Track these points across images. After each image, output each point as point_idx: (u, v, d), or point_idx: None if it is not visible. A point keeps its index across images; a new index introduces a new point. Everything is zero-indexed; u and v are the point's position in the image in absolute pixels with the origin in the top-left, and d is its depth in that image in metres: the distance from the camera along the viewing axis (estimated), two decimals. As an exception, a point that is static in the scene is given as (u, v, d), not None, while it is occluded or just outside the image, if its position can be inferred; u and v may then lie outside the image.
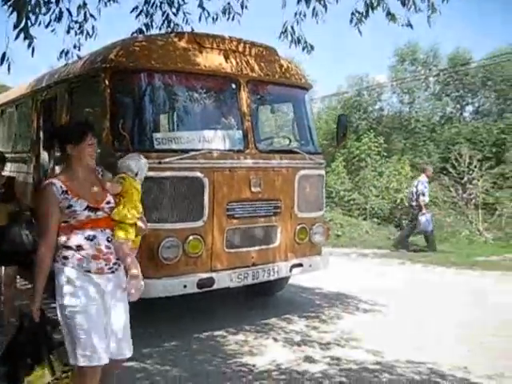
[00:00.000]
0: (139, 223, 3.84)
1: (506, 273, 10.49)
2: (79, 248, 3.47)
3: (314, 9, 6.31)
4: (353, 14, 6.47)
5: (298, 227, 6.69)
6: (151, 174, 5.46)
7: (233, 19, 6.52)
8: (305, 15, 6.43)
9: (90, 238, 3.50)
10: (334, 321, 6.99)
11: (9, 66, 4.50)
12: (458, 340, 6.18)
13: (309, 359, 5.56)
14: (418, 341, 6.11)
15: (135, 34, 6.69)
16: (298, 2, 6.33)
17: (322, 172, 7.10)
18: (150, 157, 5.50)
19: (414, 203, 13.47)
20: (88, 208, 3.50)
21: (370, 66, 53.29)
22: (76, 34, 5.94)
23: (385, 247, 13.88)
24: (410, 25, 6.44)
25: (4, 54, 4.38)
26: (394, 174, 18.20)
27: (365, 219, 16.96)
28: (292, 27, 6.39)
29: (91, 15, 5.82)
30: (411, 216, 13.95)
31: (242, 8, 6.46)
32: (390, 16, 6.40)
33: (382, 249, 13.69)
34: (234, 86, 6.29)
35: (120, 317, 3.65)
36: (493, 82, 27.32)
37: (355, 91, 28.92)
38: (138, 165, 4.02)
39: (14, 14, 4.00)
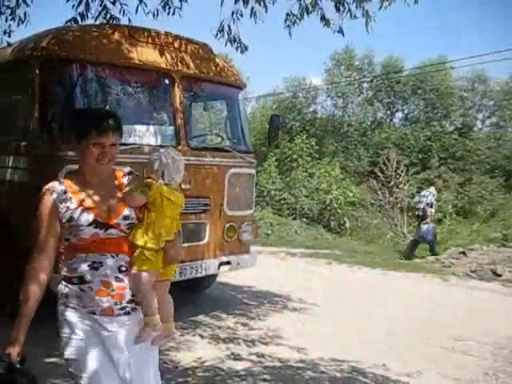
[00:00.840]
0: (170, 249, 2.76)
1: (426, 275, 10.90)
2: (81, 280, 2.60)
3: (252, 9, 6.37)
4: (287, 15, 6.56)
5: (227, 225, 6.72)
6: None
7: (173, 14, 6.47)
8: (242, 15, 6.47)
9: (94, 266, 2.58)
10: (262, 318, 7.08)
11: None
12: (380, 339, 6.38)
13: (234, 356, 5.61)
14: (343, 339, 6.28)
15: (70, 23, 6.53)
16: (236, 2, 6.36)
17: (253, 171, 7.16)
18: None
19: (420, 213, 13.46)
20: (95, 223, 2.58)
21: (307, 67, 53.90)
22: (7, 20, 5.75)
23: (312, 247, 14.13)
24: (341, 31, 6.59)
25: None
26: (325, 176, 18.55)
27: (294, 219, 17.22)
28: (229, 26, 6.41)
29: (24, 1, 5.65)
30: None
31: (181, 2, 6.40)
32: (325, 21, 6.53)
33: (309, 248, 13.93)
34: (167, 81, 6.26)
35: (143, 376, 2.67)
36: (422, 90, 28.20)
37: (291, 92, 29.24)
38: (163, 163, 2.72)
39: None
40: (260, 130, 24.53)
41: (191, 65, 6.46)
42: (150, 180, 2.68)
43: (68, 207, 2.62)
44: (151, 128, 6.05)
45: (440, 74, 26.71)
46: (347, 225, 16.76)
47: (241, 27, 6.46)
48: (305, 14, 6.42)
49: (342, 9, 6.31)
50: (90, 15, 6.57)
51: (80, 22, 6.53)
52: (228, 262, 6.77)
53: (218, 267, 6.68)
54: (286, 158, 20.81)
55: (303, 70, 51.97)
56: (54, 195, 2.64)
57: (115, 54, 5.90)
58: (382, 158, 19.46)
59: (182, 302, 7.38)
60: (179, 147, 6.11)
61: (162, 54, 6.21)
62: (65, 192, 2.65)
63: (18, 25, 5.82)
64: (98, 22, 6.64)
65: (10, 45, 6.16)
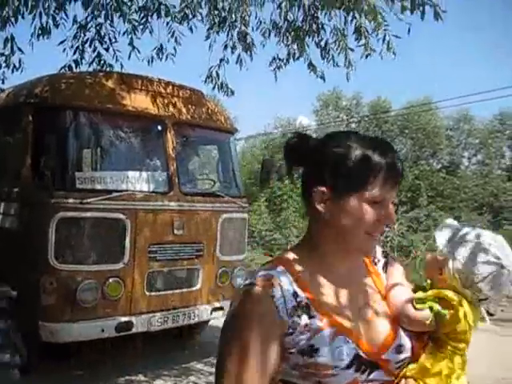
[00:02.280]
0: None
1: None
2: None
3: (238, 56, 6.51)
4: (273, 59, 6.70)
5: (220, 270, 6.68)
6: (72, 214, 5.41)
7: (166, 59, 6.58)
8: (228, 62, 6.62)
9: None
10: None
11: None
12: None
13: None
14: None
15: (64, 70, 6.59)
16: (224, 49, 6.50)
17: (245, 215, 7.15)
18: (71, 196, 5.44)
19: None
20: (356, 361, 1.41)
21: (297, 106, 54.48)
22: (1, 67, 5.80)
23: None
24: (322, 77, 6.74)
25: None
26: (315, 216, 18.51)
27: (285, 259, 17.11)
28: (217, 72, 6.55)
29: (19, 49, 5.71)
30: None
31: (175, 48, 6.54)
32: (311, 67, 6.67)
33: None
34: (160, 127, 6.29)
35: None
36: (409, 130, 28.53)
37: (281, 132, 29.47)
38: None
39: None
40: (250, 170, 24.66)
41: (183, 111, 6.51)
42: (449, 292, 1.54)
43: (305, 325, 1.39)
44: (144, 174, 6.05)
45: (426, 114, 27.08)
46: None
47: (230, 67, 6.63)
48: (291, 59, 6.58)
49: (326, 56, 6.47)
50: (84, 62, 6.70)
51: (74, 69, 6.62)
52: (221, 308, 6.69)
53: (211, 313, 6.61)
54: (276, 197, 20.83)
55: (293, 109, 52.42)
56: (276, 299, 1.38)
57: (108, 101, 5.93)
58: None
59: (174, 348, 7.28)
60: (171, 193, 6.12)
61: (154, 100, 6.25)
62: (295, 295, 1.41)
63: (13, 71, 5.87)
64: (91, 69, 6.73)
65: (3, 91, 6.19)
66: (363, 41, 5.93)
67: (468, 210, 23.04)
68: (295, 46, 6.47)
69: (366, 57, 5.94)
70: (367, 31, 5.87)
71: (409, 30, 5.21)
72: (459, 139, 29.66)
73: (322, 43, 6.51)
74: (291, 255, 1.52)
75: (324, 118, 30.98)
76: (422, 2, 4.43)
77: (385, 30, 5.65)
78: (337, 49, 6.21)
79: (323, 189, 1.45)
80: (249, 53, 6.24)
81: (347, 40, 6.11)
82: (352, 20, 5.94)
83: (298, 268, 1.47)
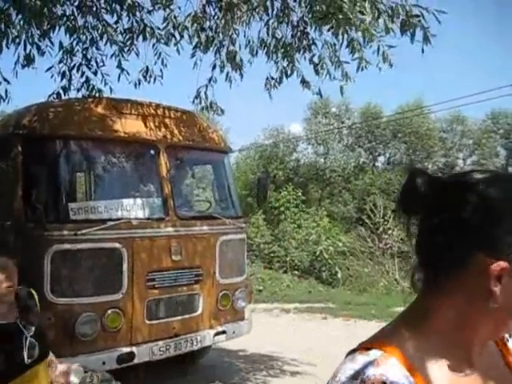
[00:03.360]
0: None
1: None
2: None
3: (227, 74, 6.44)
4: (267, 79, 6.61)
5: (221, 294, 6.55)
6: (67, 246, 5.28)
7: (154, 81, 6.49)
8: (216, 81, 6.55)
9: None
10: (261, 388, 6.85)
11: None
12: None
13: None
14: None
15: (52, 97, 6.48)
16: (213, 69, 6.42)
17: (243, 236, 7.02)
18: (65, 228, 5.31)
19: None
20: None
21: (286, 113, 54.30)
22: (-13, 99, 5.68)
23: (306, 301, 13.90)
24: (319, 94, 6.65)
25: None
26: (313, 227, 18.43)
27: (285, 271, 17.02)
28: (205, 93, 6.47)
29: (4, 79, 5.60)
30: None
31: (162, 71, 6.44)
32: (305, 84, 6.58)
33: (303, 303, 13.69)
34: (152, 152, 6.18)
35: None
36: (402, 134, 28.48)
37: (271, 142, 29.40)
38: None
39: None
40: (245, 181, 24.56)
41: (176, 132, 6.39)
42: None
43: None
44: (138, 201, 5.93)
45: (419, 117, 27.04)
46: (339, 275, 16.56)
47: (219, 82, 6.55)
48: (284, 77, 6.50)
49: (321, 71, 6.38)
50: (72, 87, 6.61)
51: (63, 95, 6.52)
52: (223, 332, 6.57)
53: (214, 337, 6.48)
54: (273, 208, 20.73)
55: (283, 117, 52.18)
56: None
57: (98, 128, 5.81)
58: (368, 204, 19.43)
59: (177, 374, 7.12)
60: (167, 218, 6.00)
61: (145, 124, 6.14)
62: None
63: (-1, 103, 5.74)
64: (80, 94, 6.63)
65: (-10, 123, 6.06)
66: (357, 54, 5.85)
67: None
68: (285, 64, 6.38)
69: (362, 69, 5.85)
70: (360, 44, 5.79)
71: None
72: (453, 141, 29.60)
73: (315, 59, 6.42)
74: (402, 338, 1.11)
75: (315, 126, 30.94)
76: (413, 24, 4.33)
77: (379, 41, 5.57)
78: (332, 64, 6.11)
79: (504, 264, 1.00)
80: (238, 71, 6.14)
81: (340, 54, 6.02)
82: (343, 34, 5.87)
83: (417, 362, 1.06)
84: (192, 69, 6.24)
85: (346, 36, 5.54)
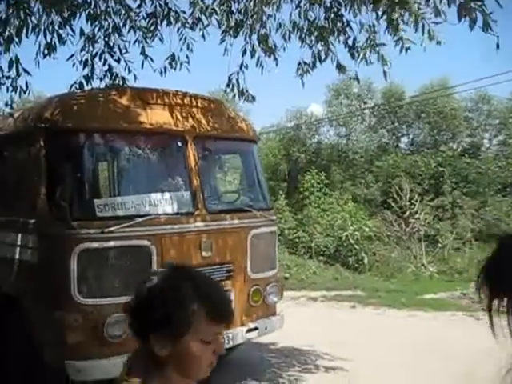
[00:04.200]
0: None
1: (455, 313, 10.45)
2: None
3: (258, 59, 6.15)
4: (299, 64, 6.31)
5: (252, 289, 6.29)
6: (93, 244, 5.05)
7: (180, 68, 6.22)
8: (247, 67, 6.26)
9: None
10: (294, 384, 6.62)
11: None
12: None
13: None
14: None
15: (74, 87, 6.23)
16: (244, 54, 6.12)
17: (274, 229, 6.75)
18: (92, 226, 5.08)
19: None
20: None
21: (304, 95, 53.62)
22: (8, 91, 5.43)
23: (333, 288, 13.64)
24: (357, 79, 6.34)
25: None
26: (338, 211, 18.11)
27: (310, 257, 16.75)
28: (237, 80, 6.18)
29: (25, 70, 5.34)
30: None
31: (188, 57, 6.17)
32: (340, 68, 6.26)
33: (330, 290, 13.43)
34: (180, 143, 5.89)
35: None
36: (426, 114, 27.89)
37: (294, 125, 28.99)
38: None
39: None
40: (266, 165, 24.23)
41: (203, 123, 6.10)
42: None
43: None
44: (166, 195, 5.66)
45: (443, 97, 26.42)
46: (365, 260, 16.24)
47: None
48: (317, 62, 6.19)
49: (356, 55, 6.08)
50: (95, 76, 6.38)
51: (85, 85, 6.28)
52: (255, 328, 6.33)
53: (246, 335, 6.23)
54: (298, 193, 20.43)
55: (302, 97, 51.37)
56: None
57: (123, 119, 5.54)
58: (394, 188, 19.04)
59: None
60: (197, 212, 5.74)
61: (172, 114, 5.86)
62: None
63: (20, 95, 5.49)
64: (103, 83, 6.39)
65: (11, 115, 5.81)
66: (398, 34, 5.51)
67: (492, 192, 22.39)
68: (319, 47, 6.06)
69: (406, 50, 5.51)
70: (404, 22, 5.44)
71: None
72: (478, 120, 28.91)
73: (350, 41, 6.09)
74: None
75: (336, 107, 30.44)
76: (473, 9, 3.90)
77: (422, 18, 5.22)
78: (367, 46, 5.78)
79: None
80: (272, 57, 5.83)
81: (379, 35, 5.69)
82: (383, 14, 5.53)
83: None
84: (222, 55, 5.97)
85: (385, 15, 5.20)
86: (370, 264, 16.41)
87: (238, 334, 6.09)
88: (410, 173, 22.36)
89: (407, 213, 18.12)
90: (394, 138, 30.55)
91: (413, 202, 18.16)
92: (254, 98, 6.30)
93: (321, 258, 16.67)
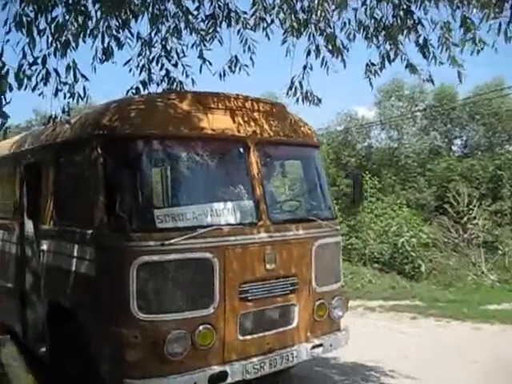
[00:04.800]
0: None
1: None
2: None
3: (323, 58, 5.81)
4: (367, 65, 5.95)
5: (317, 303, 5.94)
6: (154, 257, 4.80)
7: (239, 71, 5.94)
8: (311, 68, 5.92)
9: None
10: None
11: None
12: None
13: None
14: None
15: (131, 92, 6.01)
16: (308, 55, 5.80)
17: (339, 239, 6.39)
18: (152, 238, 4.82)
19: None
20: None
21: (354, 98, 52.92)
22: (65, 97, 5.22)
23: (391, 297, 13.15)
24: (431, 80, 5.96)
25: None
26: (393, 216, 17.58)
27: (364, 264, 16.27)
28: (300, 82, 5.86)
29: (82, 75, 5.12)
30: None
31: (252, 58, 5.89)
32: (411, 68, 5.88)
33: (388, 299, 12.95)
34: (241, 149, 5.59)
35: None
36: (480, 115, 27.07)
37: (343, 128, 28.54)
38: None
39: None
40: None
41: (266, 128, 5.79)
42: None
43: None
44: (228, 204, 5.36)
45: (498, 97, 25.54)
46: (422, 268, 15.67)
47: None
48: (386, 62, 5.82)
49: (427, 54, 5.69)
50: (151, 82, 6.16)
51: (142, 90, 6.06)
52: (320, 345, 5.97)
53: (310, 351, 5.89)
54: (344, 195, 19.96)
55: (348, 100, 50.73)
56: None
57: (184, 125, 5.27)
58: (451, 192, 18.41)
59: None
60: (260, 223, 5.42)
61: (233, 119, 5.57)
62: None
63: (78, 101, 5.27)
64: (160, 88, 6.16)
65: (68, 122, 5.60)
66: (471, 34, 5.12)
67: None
68: (387, 47, 5.69)
69: (478, 53, 5.12)
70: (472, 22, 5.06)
71: None
72: (536, 121, 27.88)
73: (421, 40, 5.70)
74: None
75: (387, 109, 29.83)
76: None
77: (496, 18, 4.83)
78: (439, 46, 5.40)
79: None
80: (340, 57, 5.49)
81: (452, 34, 5.29)
82: (455, 10, 5.14)
83: None
84: (285, 56, 5.64)
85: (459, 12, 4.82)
86: (427, 272, 15.83)
87: (302, 351, 5.76)
88: (467, 176, 21.67)
89: (465, 218, 17.45)
90: (446, 140, 29.79)
91: (470, 207, 17.48)
92: (319, 101, 5.96)
93: (375, 265, 16.18)
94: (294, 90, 5.88)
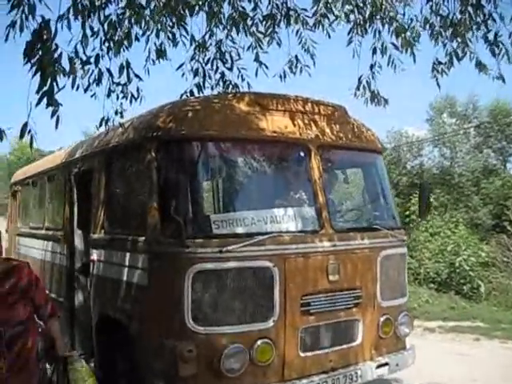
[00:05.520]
0: None
1: None
2: None
3: (389, 57, 5.48)
4: (434, 64, 5.58)
5: (382, 319, 5.53)
6: (210, 265, 4.48)
7: (301, 73, 5.65)
8: (380, 67, 5.59)
9: None
10: None
11: (31, 139, 3.51)
12: None
13: None
14: None
15: (185, 95, 5.79)
16: (374, 53, 5.46)
17: (405, 250, 5.98)
18: (208, 244, 4.52)
19: None
20: None
21: (404, 120, 52.18)
22: (118, 98, 5.02)
23: (450, 318, 12.51)
24: (501, 78, 5.54)
25: (25, 125, 3.39)
26: (449, 235, 16.91)
27: (420, 284, 15.62)
28: (367, 82, 5.51)
29: (136, 75, 4.91)
30: None
31: (314, 60, 5.60)
32: (480, 67, 5.49)
33: (448, 320, 12.31)
34: (302, 153, 5.27)
35: None
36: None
37: (393, 146, 27.94)
38: None
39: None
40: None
41: (327, 131, 5.46)
42: None
43: None
44: (290, 211, 5.03)
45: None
46: (482, 289, 14.93)
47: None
48: (454, 60, 5.45)
49: (497, 51, 5.29)
50: (206, 84, 5.94)
51: (197, 93, 5.83)
52: (386, 364, 5.54)
53: (375, 371, 5.46)
54: (402, 216, 19.37)
55: (399, 122, 49.96)
56: None
57: (242, 127, 4.99)
58: (510, 210, 17.65)
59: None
60: (323, 231, 5.07)
61: (293, 121, 5.26)
62: None
63: (131, 102, 5.07)
64: (215, 92, 5.92)
65: (121, 125, 5.39)
66: None
67: None
68: (454, 45, 5.33)
69: None
70: None
71: None
72: None
73: (491, 36, 5.32)
74: None
75: (439, 126, 29.15)
76: None
77: None
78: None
79: None
80: (409, 51, 5.16)
81: None
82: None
83: None
84: (352, 57, 5.35)
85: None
86: (487, 292, 15.07)
87: (367, 371, 5.35)
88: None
89: (526, 237, 16.69)
90: (501, 158, 28.89)
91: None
92: (386, 102, 5.62)
93: (431, 285, 15.50)
94: (361, 90, 5.55)
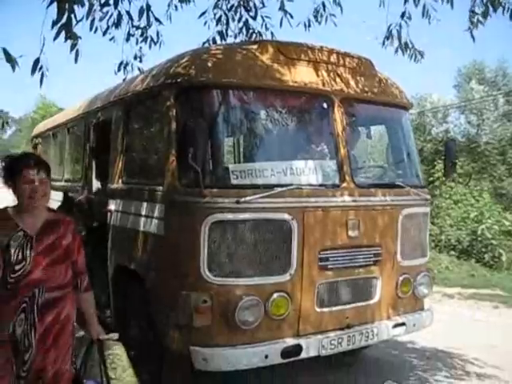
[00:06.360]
0: None
1: None
2: None
3: (424, 7, 5.23)
4: (470, 14, 5.33)
5: (401, 278, 5.41)
6: (227, 215, 4.39)
7: (326, 22, 5.44)
8: (410, 17, 5.35)
9: None
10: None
11: (41, 76, 3.38)
12: None
13: None
14: None
15: (208, 44, 5.63)
16: (406, 2, 5.23)
17: (428, 210, 5.81)
18: (226, 194, 4.41)
19: None
20: None
21: (430, 87, 51.15)
22: (137, 42, 4.87)
23: (470, 286, 12.38)
24: None
25: (37, 61, 3.26)
26: (472, 204, 16.63)
27: (440, 251, 15.44)
28: (398, 31, 5.29)
29: (156, 19, 4.76)
30: None
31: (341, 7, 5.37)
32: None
33: (466, 287, 12.19)
34: (325, 105, 5.09)
35: None
36: None
37: (418, 112, 27.36)
38: None
39: (54, 6, 2.93)
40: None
41: (351, 84, 5.27)
42: None
43: None
44: (310, 163, 4.89)
45: None
46: (503, 258, 14.72)
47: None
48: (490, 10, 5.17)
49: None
50: (229, 32, 5.76)
51: (219, 41, 5.66)
52: (403, 324, 5.45)
53: (392, 330, 5.38)
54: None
55: (424, 88, 48.85)
56: None
57: (264, 76, 4.81)
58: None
59: (339, 368, 6.07)
60: (343, 185, 4.94)
61: (317, 72, 5.08)
62: None
63: (150, 46, 4.92)
64: (238, 40, 5.74)
65: (140, 72, 5.25)
66: None
67: None
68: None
69: None
70: None
71: None
72: None
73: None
74: None
75: (466, 92, 28.45)
76: None
77: None
78: None
79: None
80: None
81: None
82: None
83: None
84: (378, 6, 5.11)
85: None
86: (508, 262, 14.85)
87: (383, 329, 5.26)
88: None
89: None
90: (529, 127, 28.20)
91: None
92: (422, 55, 5.37)
93: (451, 252, 15.32)
94: (390, 39, 5.32)
